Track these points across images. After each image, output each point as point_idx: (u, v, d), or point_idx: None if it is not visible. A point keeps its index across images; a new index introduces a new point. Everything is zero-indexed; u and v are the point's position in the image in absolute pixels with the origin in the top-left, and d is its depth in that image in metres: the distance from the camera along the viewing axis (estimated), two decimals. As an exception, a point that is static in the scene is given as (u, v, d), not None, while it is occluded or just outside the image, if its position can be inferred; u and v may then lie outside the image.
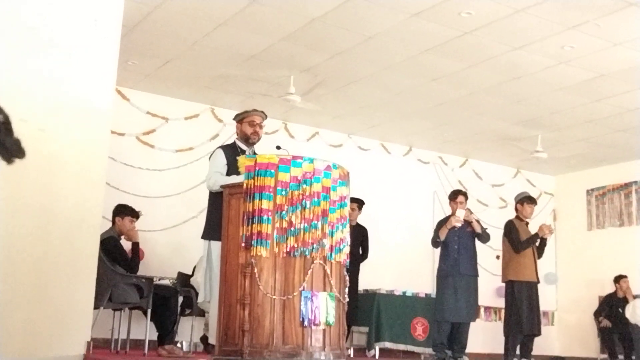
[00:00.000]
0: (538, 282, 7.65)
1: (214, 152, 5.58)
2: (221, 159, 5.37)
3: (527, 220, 7.81)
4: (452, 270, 7.33)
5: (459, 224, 7.37)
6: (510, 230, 7.64)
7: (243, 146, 5.58)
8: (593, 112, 9.02)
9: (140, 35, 7.13)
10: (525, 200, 7.82)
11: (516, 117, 9.41)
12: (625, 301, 10.28)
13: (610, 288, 10.59)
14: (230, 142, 5.87)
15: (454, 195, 7.63)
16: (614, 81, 7.95)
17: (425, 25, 6.73)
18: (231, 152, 5.39)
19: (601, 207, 11.68)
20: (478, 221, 7.58)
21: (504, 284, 7.87)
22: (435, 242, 7.64)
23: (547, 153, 10.07)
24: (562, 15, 6.42)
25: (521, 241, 7.56)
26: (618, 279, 10.45)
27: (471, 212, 7.43)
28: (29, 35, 4.99)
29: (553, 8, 6.29)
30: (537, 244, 7.71)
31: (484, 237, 7.39)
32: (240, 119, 5.67)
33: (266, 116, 5.74)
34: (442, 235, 7.47)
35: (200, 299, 5.45)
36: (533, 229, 7.85)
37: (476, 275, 7.41)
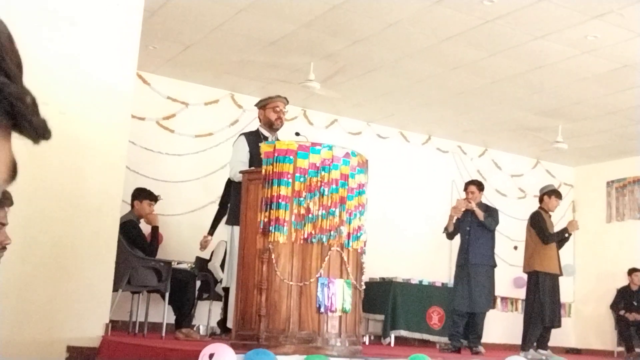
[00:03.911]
0: (561, 274, 7.64)
1: (237, 139, 5.59)
2: (244, 147, 5.39)
3: (551, 213, 7.81)
4: (464, 260, 7.33)
5: (457, 215, 7.40)
6: (539, 222, 7.61)
7: (266, 133, 5.59)
8: (615, 103, 8.93)
9: (161, 19, 7.15)
10: (554, 193, 7.81)
11: (537, 107, 9.34)
12: (638, 294, 10.27)
13: (626, 281, 10.55)
14: (253, 129, 5.88)
15: (465, 186, 7.64)
16: (637, 72, 7.86)
17: (447, 13, 6.69)
18: (254, 139, 5.39)
19: (621, 199, 11.58)
20: (491, 208, 7.56)
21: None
22: (447, 235, 7.66)
23: (567, 144, 9.99)
24: (585, 4, 6.35)
25: (551, 233, 7.56)
26: (631, 272, 10.42)
27: (470, 201, 7.38)
28: (50, 18, 5.02)
29: (577, -3, 6.23)
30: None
31: (487, 224, 7.32)
32: (263, 105, 5.67)
33: (288, 102, 5.75)
34: (450, 227, 7.51)
35: (223, 284, 5.50)
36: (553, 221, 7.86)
37: (489, 264, 7.34)
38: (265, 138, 5.46)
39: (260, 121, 5.72)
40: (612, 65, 7.72)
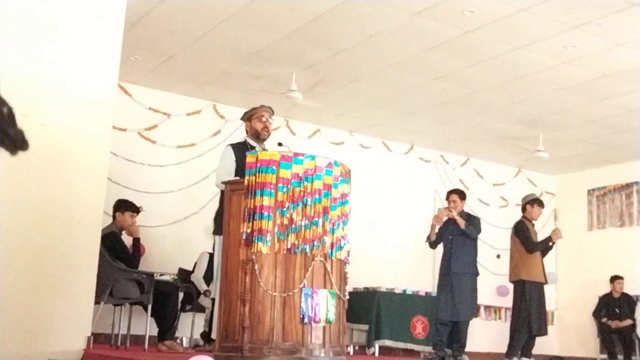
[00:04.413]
0: (546, 282, 7.68)
1: (224, 149, 5.59)
2: (230, 157, 5.39)
3: (534, 221, 7.85)
4: (446, 269, 7.35)
5: (438, 223, 7.45)
6: (523, 231, 7.65)
7: (253, 143, 5.60)
8: (595, 112, 9.01)
9: (143, 30, 7.13)
10: (536, 202, 7.86)
11: (518, 117, 9.41)
12: (620, 301, 10.35)
13: (608, 288, 10.62)
14: (238, 140, 5.88)
15: (447, 195, 7.68)
16: (617, 81, 7.94)
17: (428, 24, 6.73)
18: (241, 149, 5.39)
19: (602, 207, 11.68)
20: (473, 216, 7.59)
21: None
22: (429, 244, 7.68)
23: (548, 153, 10.06)
24: (565, 14, 6.42)
25: (536, 242, 7.60)
26: (613, 280, 10.50)
27: (451, 210, 7.41)
28: (32, 30, 5.00)
29: (556, 7, 6.28)
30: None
31: (469, 232, 7.34)
32: (249, 116, 5.69)
33: (273, 112, 5.77)
34: (432, 236, 7.54)
35: (212, 295, 5.48)
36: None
37: (471, 273, 7.36)
38: (252, 148, 5.46)
39: (247, 133, 5.73)
40: (591, 74, 7.79)
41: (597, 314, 10.61)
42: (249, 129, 5.70)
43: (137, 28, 7.03)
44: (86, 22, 5.29)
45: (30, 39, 4.98)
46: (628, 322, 10.16)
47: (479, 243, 7.62)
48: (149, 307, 6.12)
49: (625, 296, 10.47)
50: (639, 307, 10.23)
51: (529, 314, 7.45)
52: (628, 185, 11.31)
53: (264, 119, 5.63)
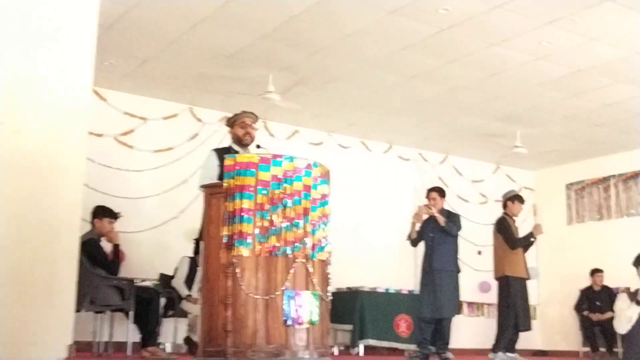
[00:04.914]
0: (529, 277, 7.72)
1: (207, 155, 5.57)
2: (213, 162, 5.35)
3: (515, 217, 7.89)
4: (428, 266, 7.37)
5: (418, 221, 7.48)
6: (505, 227, 7.68)
7: (237, 148, 5.58)
8: (571, 107, 9.08)
9: (117, 34, 7.07)
10: (516, 198, 7.90)
11: (495, 113, 9.45)
12: (601, 294, 10.43)
13: (588, 282, 10.70)
14: (226, 145, 5.85)
15: (427, 193, 7.69)
16: (591, 76, 8.01)
17: (403, 22, 6.74)
18: (225, 153, 5.36)
19: (580, 202, 11.78)
20: (454, 213, 7.61)
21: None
22: (410, 242, 7.68)
23: (526, 148, 10.12)
24: (538, 11, 6.46)
25: (518, 238, 7.64)
26: (593, 273, 10.58)
27: (430, 208, 7.43)
28: (2, 35, 4.93)
29: (530, 4, 6.32)
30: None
31: (448, 229, 7.35)
32: (232, 122, 5.68)
33: (257, 117, 5.74)
34: (412, 234, 7.55)
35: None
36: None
37: (453, 270, 7.37)
38: (237, 153, 5.43)
39: (232, 139, 5.73)
40: (566, 70, 7.85)
41: (578, 307, 10.69)
42: (232, 136, 5.70)
43: (110, 32, 6.96)
44: (59, 27, 5.22)
45: (1, 44, 4.91)
46: (609, 314, 10.21)
47: (460, 240, 7.63)
48: (131, 313, 6.08)
49: (605, 289, 10.54)
50: (618, 300, 10.30)
51: (515, 310, 7.47)
52: (605, 179, 11.41)
53: (245, 125, 5.61)
